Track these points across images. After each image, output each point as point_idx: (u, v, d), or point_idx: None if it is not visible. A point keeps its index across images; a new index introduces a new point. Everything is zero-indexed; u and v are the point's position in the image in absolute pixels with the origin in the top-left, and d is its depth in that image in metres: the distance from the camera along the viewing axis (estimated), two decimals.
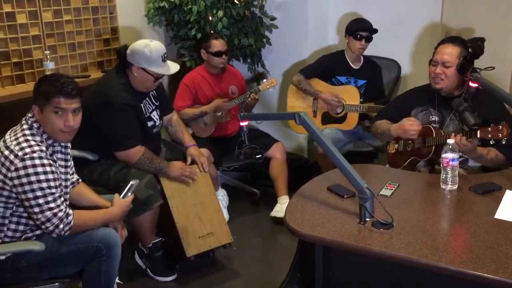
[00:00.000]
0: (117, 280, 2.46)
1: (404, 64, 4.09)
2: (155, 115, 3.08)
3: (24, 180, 2.09)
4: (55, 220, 2.14)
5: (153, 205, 2.85)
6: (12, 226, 2.20)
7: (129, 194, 2.49)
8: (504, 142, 2.31)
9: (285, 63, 4.36)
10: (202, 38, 3.81)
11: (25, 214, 2.19)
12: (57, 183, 2.17)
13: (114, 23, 4.06)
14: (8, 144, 2.15)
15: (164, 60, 2.88)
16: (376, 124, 2.95)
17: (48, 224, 2.14)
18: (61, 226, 2.15)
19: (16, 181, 2.09)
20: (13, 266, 2.19)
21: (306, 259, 2.32)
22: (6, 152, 2.12)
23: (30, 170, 2.09)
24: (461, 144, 2.41)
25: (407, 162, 2.80)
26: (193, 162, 3.12)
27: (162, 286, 3.00)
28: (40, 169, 2.10)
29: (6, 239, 2.20)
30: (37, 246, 2.12)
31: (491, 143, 2.36)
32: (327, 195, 2.30)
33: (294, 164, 4.01)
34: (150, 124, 3.03)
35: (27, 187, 2.10)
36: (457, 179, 2.30)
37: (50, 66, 3.50)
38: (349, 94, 3.75)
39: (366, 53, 3.81)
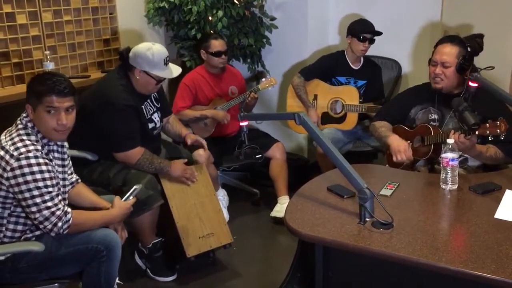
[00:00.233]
0: (117, 281, 2.45)
1: (405, 63, 4.10)
2: (156, 117, 3.08)
3: (20, 180, 2.09)
4: (53, 219, 2.14)
5: (153, 205, 2.85)
6: (11, 226, 2.20)
7: (131, 197, 2.49)
8: (502, 138, 2.31)
9: (285, 63, 4.36)
10: (202, 38, 3.82)
11: (23, 214, 2.19)
12: (54, 181, 2.16)
13: (114, 24, 4.06)
14: (3, 145, 2.14)
15: (166, 63, 2.88)
16: (375, 126, 2.94)
17: (46, 223, 2.14)
18: (60, 224, 2.15)
19: (13, 181, 2.09)
20: (13, 267, 2.18)
21: (306, 259, 2.32)
22: (2, 153, 2.12)
23: (26, 170, 2.08)
24: (459, 142, 2.41)
25: None
26: (195, 149, 3.15)
27: (162, 286, 3.00)
28: (35, 168, 2.10)
29: (6, 240, 2.20)
30: (36, 246, 2.12)
31: (490, 139, 2.36)
32: (327, 195, 2.29)
33: (294, 164, 4.01)
34: (151, 126, 3.03)
35: (23, 187, 2.09)
36: (457, 179, 2.30)
37: (50, 66, 3.50)
38: (349, 94, 3.74)
39: (366, 53, 3.81)
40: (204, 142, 3.19)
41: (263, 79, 3.80)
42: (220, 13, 3.83)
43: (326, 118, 3.83)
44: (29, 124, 2.20)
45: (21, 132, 2.17)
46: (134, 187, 2.52)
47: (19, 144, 2.12)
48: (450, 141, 2.29)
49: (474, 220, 2.03)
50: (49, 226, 2.15)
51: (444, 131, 2.66)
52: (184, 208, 3.00)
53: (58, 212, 2.15)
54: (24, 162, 2.09)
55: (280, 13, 4.23)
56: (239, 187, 4.17)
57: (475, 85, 2.46)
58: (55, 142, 2.28)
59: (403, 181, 2.41)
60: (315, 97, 3.83)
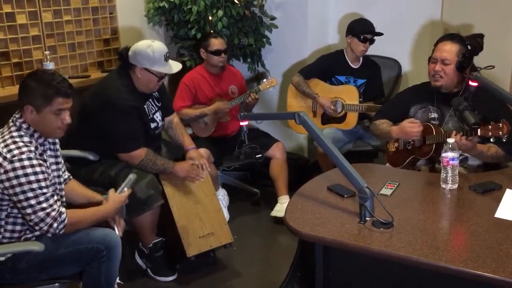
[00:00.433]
0: (117, 280, 2.45)
1: (405, 63, 4.09)
2: (157, 116, 3.08)
3: (15, 182, 2.08)
4: (48, 220, 2.14)
5: (154, 205, 2.85)
6: (9, 227, 2.19)
7: (126, 189, 2.47)
8: (504, 140, 2.31)
9: (285, 63, 4.36)
10: (202, 38, 3.82)
11: (21, 215, 2.19)
12: (48, 182, 2.16)
13: (114, 23, 4.06)
14: None
15: (166, 60, 2.88)
16: (376, 124, 2.95)
17: (42, 224, 2.14)
18: (55, 225, 2.15)
19: (7, 184, 2.09)
20: (13, 267, 2.18)
21: (307, 258, 2.32)
22: None
23: (20, 172, 2.08)
24: (461, 144, 2.41)
25: (407, 161, 2.80)
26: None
27: (162, 286, 3.00)
28: (29, 170, 2.09)
29: (4, 241, 2.20)
30: (36, 246, 2.11)
31: (492, 140, 2.36)
32: (327, 195, 2.29)
33: (294, 164, 4.01)
34: (153, 125, 3.03)
35: (18, 189, 2.09)
36: (457, 178, 2.30)
37: (50, 66, 3.50)
38: (349, 94, 3.74)
39: (366, 52, 3.81)
40: (204, 163, 3.09)
41: (264, 80, 3.80)
42: (220, 12, 3.83)
43: (326, 118, 3.82)
44: (24, 125, 2.18)
45: (14, 134, 2.16)
46: (129, 177, 2.51)
47: (12, 146, 2.11)
48: (451, 140, 2.29)
49: (475, 219, 2.03)
50: (45, 228, 2.14)
51: (445, 131, 2.66)
52: (184, 208, 3.00)
53: (53, 213, 2.14)
54: (17, 164, 2.07)
55: (280, 13, 4.23)
56: (239, 187, 4.17)
57: (475, 84, 2.46)
58: (48, 141, 2.28)
59: (403, 181, 2.41)
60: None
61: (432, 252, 1.80)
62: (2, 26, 3.35)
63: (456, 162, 2.27)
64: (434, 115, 2.79)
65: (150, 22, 4.22)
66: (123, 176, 2.85)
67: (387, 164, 2.96)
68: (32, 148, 2.14)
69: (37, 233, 2.23)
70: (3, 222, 2.19)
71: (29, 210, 2.12)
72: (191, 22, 3.95)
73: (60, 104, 2.17)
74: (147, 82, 2.90)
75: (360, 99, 3.72)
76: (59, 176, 2.32)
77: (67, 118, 2.21)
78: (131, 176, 2.52)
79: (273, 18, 4.17)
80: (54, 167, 2.29)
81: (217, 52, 3.65)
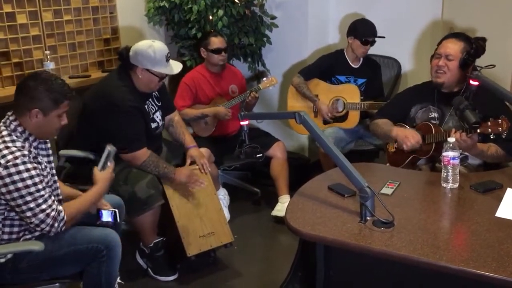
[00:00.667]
0: (118, 280, 2.46)
1: (405, 62, 4.09)
2: (158, 115, 3.08)
3: (11, 187, 2.08)
4: (49, 220, 2.14)
5: (154, 204, 2.85)
6: (7, 230, 2.19)
7: (109, 163, 2.45)
8: (504, 136, 2.31)
9: (286, 62, 4.35)
10: (202, 37, 3.82)
11: (18, 216, 2.18)
12: (44, 184, 2.16)
13: (115, 23, 4.06)
14: None
15: (167, 60, 2.88)
16: (377, 123, 2.95)
17: (43, 225, 2.14)
18: (56, 224, 2.16)
19: (3, 189, 2.08)
20: (13, 267, 2.19)
21: (307, 258, 2.31)
22: None
23: (16, 177, 2.07)
24: (461, 141, 2.41)
25: (407, 160, 2.80)
26: (193, 163, 3.12)
27: (163, 285, 3.00)
28: (25, 175, 2.09)
29: (3, 243, 2.19)
30: (37, 246, 2.11)
31: (492, 137, 2.36)
32: (328, 194, 2.29)
33: (295, 163, 4.00)
34: (153, 125, 3.03)
35: (15, 194, 2.09)
36: (458, 177, 2.30)
37: (50, 66, 3.50)
38: (350, 92, 3.74)
39: (366, 53, 3.81)
40: (205, 163, 3.11)
41: (264, 79, 3.80)
42: (221, 12, 3.83)
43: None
44: (19, 129, 2.18)
45: (6, 138, 2.14)
46: (107, 149, 2.47)
47: (5, 151, 2.10)
48: (451, 139, 2.29)
49: (475, 218, 2.02)
50: (47, 228, 2.15)
51: (445, 130, 2.66)
52: (185, 208, 3.00)
53: (52, 213, 2.15)
54: (13, 169, 2.07)
55: (280, 12, 4.23)
56: (240, 186, 4.17)
57: (476, 83, 2.46)
58: (40, 141, 2.27)
59: (404, 180, 2.41)
60: (316, 97, 3.82)
61: (433, 251, 1.80)
62: (2, 26, 3.34)
63: (456, 161, 2.27)
64: (434, 114, 2.79)
65: (151, 21, 4.21)
66: (124, 176, 2.86)
67: (388, 164, 2.96)
68: (26, 152, 2.13)
69: (36, 233, 2.23)
70: (0, 225, 2.19)
71: (29, 213, 2.12)
72: (192, 21, 3.95)
73: (65, 107, 2.22)
74: (148, 82, 2.90)
75: (361, 98, 3.71)
76: (53, 175, 2.32)
77: (65, 119, 2.25)
78: (109, 148, 2.47)
79: (273, 18, 4.17)
80: (48, 165, 2.29)
81: (217, 51, 3.65)
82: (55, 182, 2.32)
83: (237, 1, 3.88)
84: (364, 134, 3.82)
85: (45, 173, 2.22)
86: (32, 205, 2.11)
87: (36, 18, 3.53)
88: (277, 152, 3.71)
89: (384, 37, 3.69)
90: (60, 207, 2.20)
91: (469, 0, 3.64)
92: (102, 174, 2.43)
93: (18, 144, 2.14)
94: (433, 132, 2.68)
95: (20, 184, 2.08)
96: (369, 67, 3.87)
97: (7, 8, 3.36)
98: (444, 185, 2.31)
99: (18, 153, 2.10)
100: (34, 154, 2.19)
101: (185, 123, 3.41)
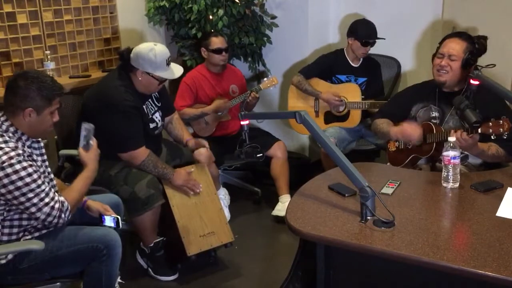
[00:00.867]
0: (118, 280, 2.46)
1: (404, 62, 4.09)
2: (157, 116, 3.08)
3: (11, 187, 2.07)
4: (55, 212, 2.15)
5: (154, 204, 2.85)
6: (6, 231, 2.19)
7: (91, 141, 2.42)
8: (505, 137, 2.31)
9: (286, 62, 4.35)
10: (202, 37, 3.82)
11: (17, 217, 2.18)
12: (43, 178, 2.17)
13: (115, 23, 4.06)
14: None
15: (168, 64, 2.88)
16: (377, 123, 2.95)
17: (50, 218, 2.15)
18: (63, 215, 2.18)
19: (3, 190, 2.08)
20: (14, 268, 2.19)
21: (308, 258, 2.31)
22: None
23: (14, 177, 2.07)
24: (462, 140, 2.40)
25: (408, 159, 2.80)
26: (193, 162, 3.13)
27: (163, 285, 3.00)
28: (23, 173, 2.08)
29: (3, 244, 2.18)
30: (37, 245, 2.11)
31: (493, 138, 2.36)
32: (328, 194, 2.29)
33: (295, 163, 4.00)
34: (152, 125, 3.03)
35: (16, 193, 2.08)
36: (459, 177, 2.30)
37: (50, 66, 3.50)
38: (350, 92, 3.74)
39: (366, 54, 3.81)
40: (206, 142, 3.18)
41: (265, 79, 3.80)
42: (221, 11, 3.83)
43: (329, 117, 3.82)
44: (11, 129, 2.17)
45: None
46: (83, 127, 2.41)
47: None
48: (452, 139, 2.29)
49: (476, 218, 2.02)
50: (55, 220, 2.16)
51: (446, 129, 2.66)
52: (185, 207, 3.00)
53: (57, 205, 2.16)
54: (9, 170, 2.06)
55: (280, 12, 4.23)
56: (240, 186, 4.17)
57: (477, 83, 2.46)
58: (33, 140, 2.26)
59: (405, 180, 2.41)
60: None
61: (433, 251, 1.80)
62: (2, 26, 3.34)
63: (457, 161, 2.26)
64: (435, 114, 2.79)
65: (151, 21, 4.22)
66: (123, 175, 2.86)
67: (388, 163, 2.96)
68: (20, 151, 2.12)
69: (36, 234, 2.23)
70: None
71: (33, 209, 2.12)
72: (192, 21, 3.95)
73: (57, 104, 2.22)
74: (147, 85, 2.91)
75: (363, 97, 3.71)
76: (49, 173, 2.32)
77: (57, 116, 2.26)
78: (86, 126, 2.42)
79: (273, 17, 4.17)
80: (43, 165, 2.28)
81: (218, 51, 3.65)
82: (51, 180, 2.32)
83: (238, 1, 3.88)
84: (366, 134, 3.81)
85: (41, 170, 2.22)
86: (35, 200, 2.11)
87: (36, 18, 3.53)
88: (277, 152, 3.71)
89: (384, 39, 3.69)
90: (62, 198, 2.21)
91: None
92: (89, 155, 2.41)
93: (11, 144, 2.12)
94: (434, 132, 2.68)
95: (19, 183, 2.08)
96: (369, 66, 3.87)
97: (7, 8, 3.36)
98: (444, 184, 2.30)
99: (12, 153, 2.09)
100: (28, 153, 2.19)
101: (185, 123, 3.41)
